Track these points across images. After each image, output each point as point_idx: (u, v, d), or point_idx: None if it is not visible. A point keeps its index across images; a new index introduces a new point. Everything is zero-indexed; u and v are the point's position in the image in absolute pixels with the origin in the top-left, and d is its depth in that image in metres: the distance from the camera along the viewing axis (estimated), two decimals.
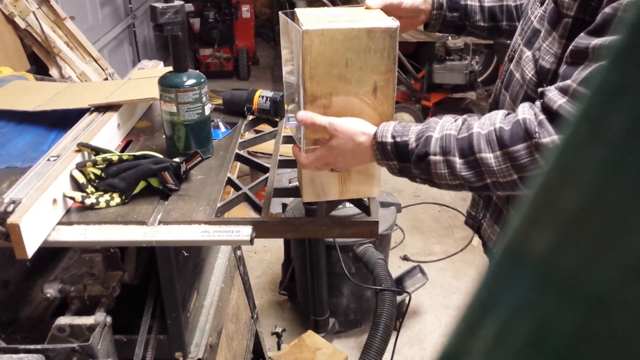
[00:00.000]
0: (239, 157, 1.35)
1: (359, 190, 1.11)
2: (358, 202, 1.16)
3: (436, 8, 1.23)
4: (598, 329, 0.22)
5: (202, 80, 1.22)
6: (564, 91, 0.84)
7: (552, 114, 0.84)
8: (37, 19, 2.43)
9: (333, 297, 2.43)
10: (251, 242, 1.05)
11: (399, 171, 0.96)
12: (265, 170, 1.28)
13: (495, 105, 1.15)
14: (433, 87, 4.35)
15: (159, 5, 1.16)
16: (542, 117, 0.84)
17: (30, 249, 0.96)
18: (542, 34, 0.99)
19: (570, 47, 0.87)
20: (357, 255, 2.27)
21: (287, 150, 1.34)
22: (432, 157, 0.90)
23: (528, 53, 1.02)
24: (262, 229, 1.07)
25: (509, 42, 1.17)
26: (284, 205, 2.33)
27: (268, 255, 3.08)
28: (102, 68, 2.65)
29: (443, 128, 0.92)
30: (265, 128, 1.55)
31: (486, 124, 0.89)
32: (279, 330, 2.32)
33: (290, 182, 2.29)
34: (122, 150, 1.33)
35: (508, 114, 0.90)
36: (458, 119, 0.93)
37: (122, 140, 1.37)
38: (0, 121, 1.42)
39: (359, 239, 2.28)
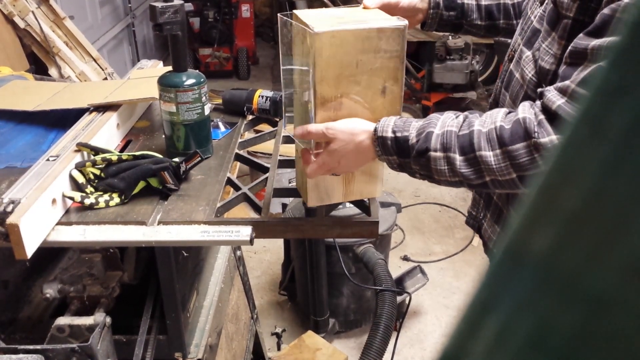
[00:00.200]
0: (238, 157, 1.35)
1: (362, 190, 1.10)
2: (358, 202, 1.16)
3: (433, 7, 1.23)
4: (598, 329, 0.22)
5: (202, 79, 1.22)
6: (563, 91, 0.84)
7: (551, 114, 0.84)
8: (36, 19, 2.43)
9: (333, 297, 2.43)
10: (251, 242, 1.05)
11: (399, 166, 0.95)
12: (265, 170, 1.28)
13: (495, 105, 1.15)
14: (433, 87, 4.35)
15: (159, 4, 1.16)
16: (541, 117, 0.85)
17: (30, 249, 0.96)
18: (541, 34, 0.99)
19: (570, 47, 0.87)
20: (357, 256, 2.27)
21: (287, 150, 1.35)
22: (432, 153, 0.90)
23: (528, 53, 1.02)
24: (262, 229, 1.07)
25: (509, 41, 1.17)
26: (284, 205, 2.33)
27: (268, 256, 3.08)
28: (101, 68, 2.66)
29: (444, 124, 0.91)
30: (265, 128, 1.54)
31: (487, 122, 0.89)
32: (278, 330, 2.32)
33: (290, 182, 2.29)
34: (122, 150, 1.33)
35: (509, 113, 0.90)
36: (459, 116, 0.93)
37: (122, 140, 1.37)
38: None
39: (359, 239, 2.27)
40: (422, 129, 0.92)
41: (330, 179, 1.07)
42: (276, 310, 2.73)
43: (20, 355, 1.02)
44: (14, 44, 2.44)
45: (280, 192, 1.22)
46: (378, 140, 0.94)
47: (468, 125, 0.90)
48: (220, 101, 1.54)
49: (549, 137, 0.83)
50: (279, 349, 2.28)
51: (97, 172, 1.12)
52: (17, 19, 2.41)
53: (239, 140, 1.40)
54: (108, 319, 1.11)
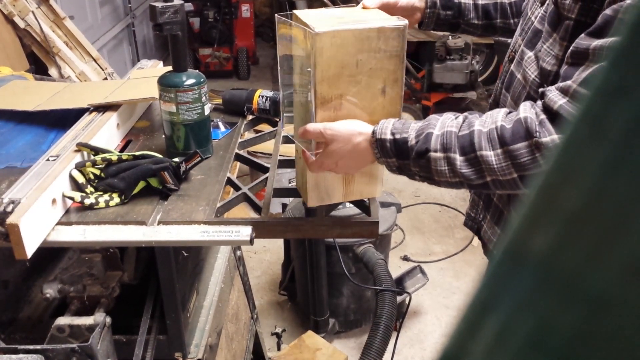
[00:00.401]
0: (238, 157, 1.35)
1: (362, 191, 1.10)
2: (358, 202, 1.16)
3: (430, 6, 1.23)
4: (598, 329, 0.22)
5: (202, 79, 1.22)
6: (564, 91, 0.84)
7: (552, 114, 0.84)
8: (36, 19, 2.44)
9: (333, 297, 2.43)
10: (251, 242, 1.05)
11: (398, 168, 0.95)
12: (265, 170, 1.28)
13: (495, 106, 1.15)
14: (433, 87, 4.35)
15: (159, 4, 1.16)
16: (543, 116, 0.84)
17: (30, 249, 0.96)
18: (542, 35, 0.99)
19: (571, 48, 0.87)
20: (357, 256, 2.27)
21: (287, 150, 1.35)
22: (432, 154, 0.90)
23: (530, 54, 1.02)
24: (262, 229, 1.07)
25: (508, 41, 1.17)
26: (284, 205, 2.33)
27: (268, 256, 3.08)
28: (101, 68, 2.66)
29: (444, 125, 0.91)
30: (265, 128, 1.55)
31: (487, 122, 0.89)
32: (278, 330, 2.32)
33: (290, 182, 2.29)
34: (122, 150, 1.33)
35: (509, 112, 0.90)
36: (459, 116, 0.93)
37: (122, 140, 1.37)
38: None
39: (359, 239, 2.27)
40: (422, 130, 0.92)
41: (330, 178, 1.07)
42: (276, 310, 2.73)
43: (20, 355, 1.02)
44: (14, 44, 2.44)
45: (280, 192, 1.22)
46: (377, 142, 0.93)
47: (468, 126, 0.90)
48: (220, 101, 1.54)
49: (550, 136, 0.83)
50: (279, 349, 2.28)
51: (97, 172, 1.12)
52: (17, 19, 2.41)
53: (239, 140, 1.40)
54: (108, 319, 1.11)
